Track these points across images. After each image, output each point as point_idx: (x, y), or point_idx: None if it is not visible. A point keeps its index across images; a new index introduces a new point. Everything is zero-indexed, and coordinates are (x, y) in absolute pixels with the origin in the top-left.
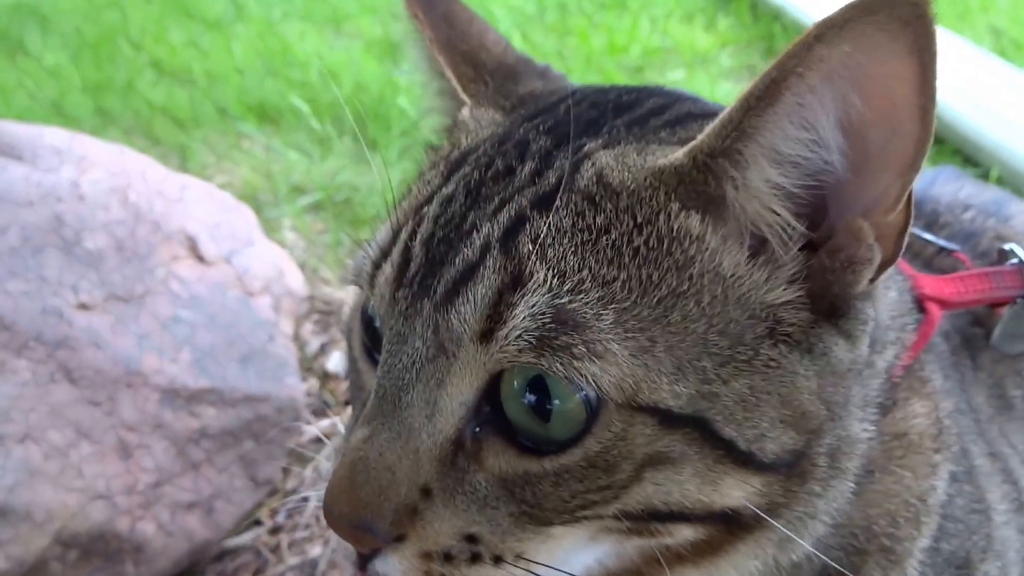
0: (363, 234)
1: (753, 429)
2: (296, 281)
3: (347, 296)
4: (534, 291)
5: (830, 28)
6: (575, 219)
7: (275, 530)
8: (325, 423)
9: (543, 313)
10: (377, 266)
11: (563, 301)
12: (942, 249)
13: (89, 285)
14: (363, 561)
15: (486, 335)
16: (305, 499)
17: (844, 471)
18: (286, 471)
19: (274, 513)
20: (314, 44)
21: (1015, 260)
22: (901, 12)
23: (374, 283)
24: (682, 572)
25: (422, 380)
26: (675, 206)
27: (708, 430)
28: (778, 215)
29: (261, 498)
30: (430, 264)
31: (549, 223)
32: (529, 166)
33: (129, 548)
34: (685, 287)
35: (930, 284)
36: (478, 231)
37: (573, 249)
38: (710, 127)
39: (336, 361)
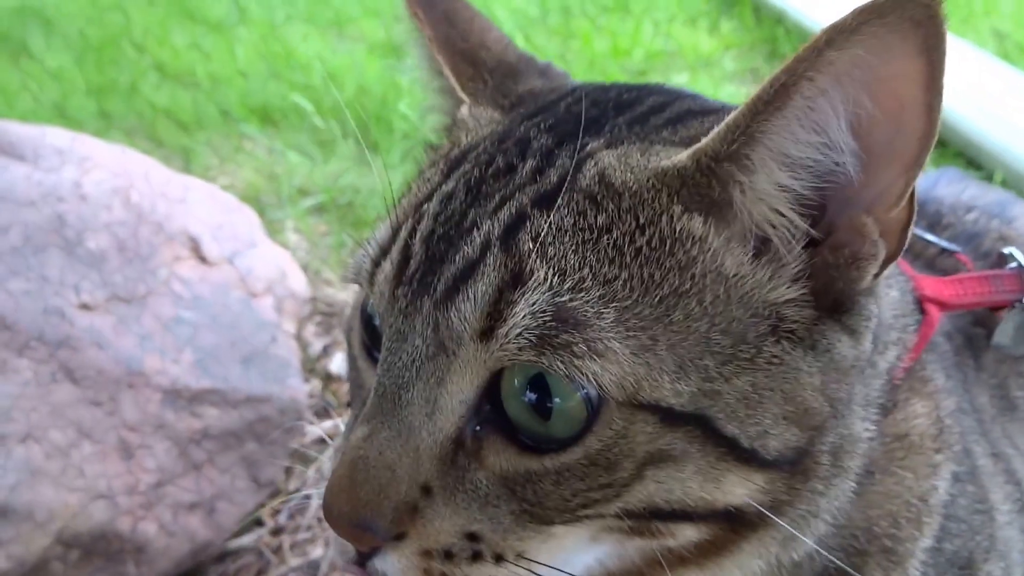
0: (365, 236)
1: (756, 426)
2: (299, 283)
3: (350, 298)
4: (535, 289)
5: (841, 32)
6: (576, 218)
7: (277, 531)
8: (328, 424)
9: (544, 311)
10: (377, 264)
11: (564, 299)
12: (943, 250)
13: (91, 285)
14: (362, 559)
15: (486, 333)
16: (307, 498)
17: (846, 470)
18: (288, 472)
19: (276, 514)
20: (317, 47)
21: (1014, 264)
22: (913, 13)
23: (374, 281)
24: (685, 574)
25: (422, 378)
26: (678, 208)
27: (710, 428)
28: (784, 216)
29: (263, 499)
30: (430, 261)
31: (550, 221)
32: (530, 164)
33: (131, 548)
34: (687, 287)
35: (930, 285)
36: (478, 228)
37: (574, 248)
38: (715, 131)
39: (339, 363)
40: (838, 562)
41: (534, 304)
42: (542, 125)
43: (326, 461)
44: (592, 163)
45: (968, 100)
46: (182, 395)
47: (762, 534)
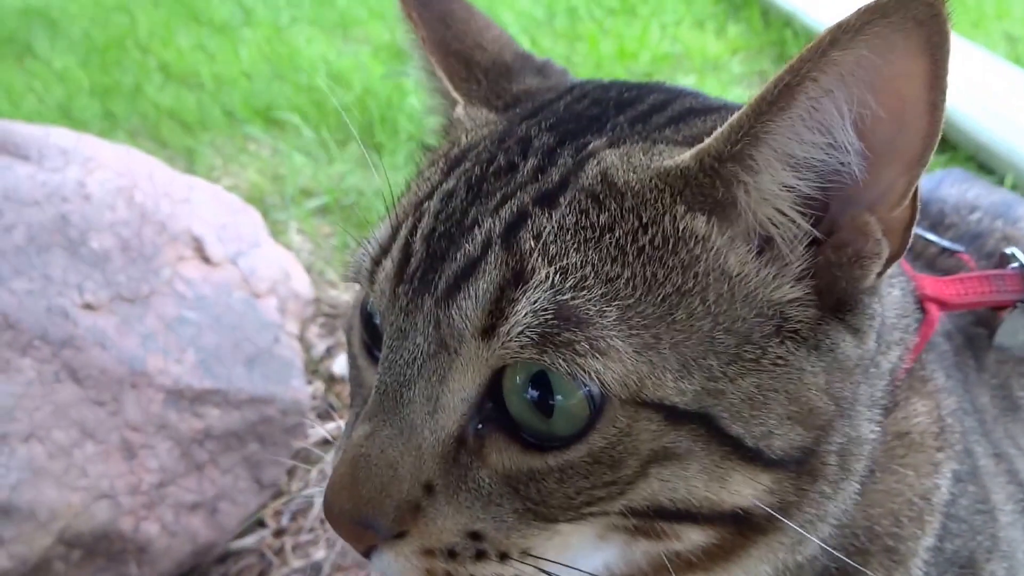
0: (366, 235)
1: (760, 426)
2: (302, 283)
3: (352, 299)
4: (536, 287)
5: (845, 32)
6: (579, 217)
7: (279, 532)
8: (331, 426)
9: (545, 309)
10: (377, 262)
11: (565, 297)
12: (944, 250)
13: (94, 285)
14: (368, 551)
15: (488, 331)
16: (310, 498)
17: (853, 472)
18: (291, 473)
19: (278, 515)
20: (321, 49)
21: (1017, 264)
22: (916, 12)
23: (374, 279)
24: None
25: (423, 376)
26: (681, 208)
27: (714, 426)
28: (787, 216)
29: (265, 500)
30: (431, 259)
31: (552, 220)
32: (531, 163)
33: (132, 548)
34: (690, 285)
35: (930, 284)
36: (480, 226)
37: (576, 246)
38: (719, 131)
39: (342, 364)
40: (844, 558)
41: (536, 302)
42: (543, 124)
43: (329, 462)
44: (594, 162)
45: (979, 103)
46: (185, 395)
47: (770, 538)
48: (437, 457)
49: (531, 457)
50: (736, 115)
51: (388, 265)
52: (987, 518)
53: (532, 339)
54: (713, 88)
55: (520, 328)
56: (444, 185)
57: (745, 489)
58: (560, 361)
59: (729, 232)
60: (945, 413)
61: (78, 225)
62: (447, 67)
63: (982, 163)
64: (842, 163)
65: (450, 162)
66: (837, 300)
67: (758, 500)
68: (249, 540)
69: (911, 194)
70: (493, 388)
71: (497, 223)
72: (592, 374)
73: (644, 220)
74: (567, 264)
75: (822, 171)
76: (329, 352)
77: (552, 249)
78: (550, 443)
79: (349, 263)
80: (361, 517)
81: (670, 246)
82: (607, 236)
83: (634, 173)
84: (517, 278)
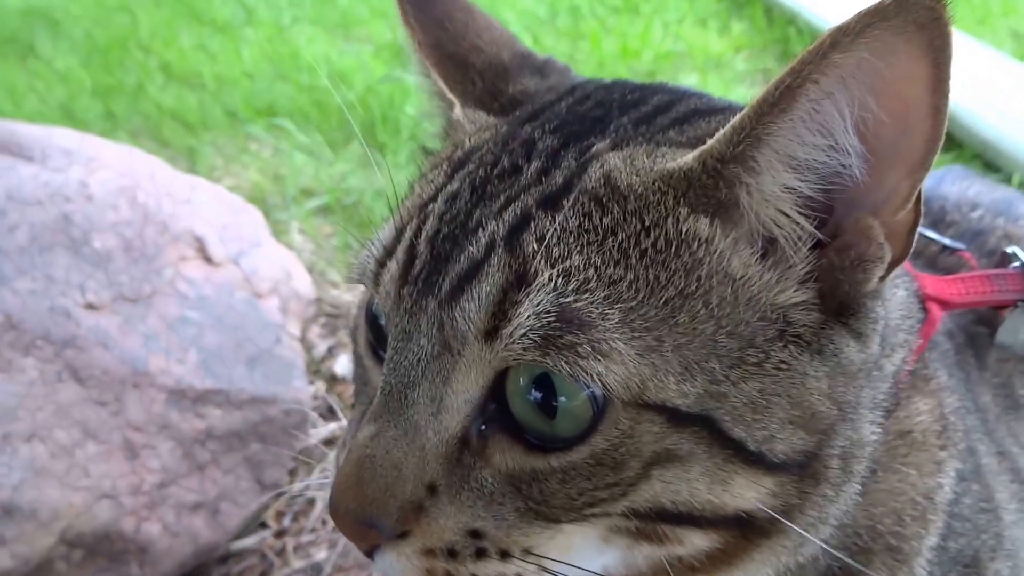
0: (369, 237)
1: (763, 430)
2: (304, 284)
3: (355, 300)
4: (539, 290)
5: (845, 35)
6: (582, 219)
7: (281, 533)
8: (332, 426)
9: (548, 312)
10: (381, 264)
11: (568, 300)
12: (945, 248)
13: (97, 285)
14: (371, 550)
15: (491, 333)
16: (312, 499)
17: (855, 474)
18: (292, 474)
19: (280, 516)
20: (323, 48)
21: (1018, 263)
22: (917, 16)
23: (379, 281)
24: None
25: (428, 377)
26: (684, 211)
27: (716, 429)
28: (790, 218)
29: (267, 501)
30: (435, 261)
31: (555, 223)
32: (535, 165)
33: (134, 549)
34: (693, 288)
35: (932, 284)
36: (483, 229)
37: (579, 249)
38: (721, 133)
39: (344, 364)
40: (846, 559)
41: (538, 304)
42: (547, 126)
43: (331, 463)
44: (598, 165)
45: (985, 101)
46: (187, 395)
47: (772, 541)
48: (440, 458)
49: (534, 458)
50: (738, 116)
51: (392, 267)
52: (991, 517)
53: (534, 341)
54: (716, 87)
55: (523, 330)
56: (448, 187)
57: (748, 492)
58: (562, 363)
59: (733, 235)
60: (947, 412)
61: (81, 225)
62: (442, 69)
63: (988, 161)
64: (843, 165)
65: (454, 164)
66: (840, 304)
67: (761, 503)
68: (250, 541)
69: (914, 198)
70: (496, 389)
71: (501, 225)
72: (594, 376)
73: (647, 223)
74: (570, 266)
75: (824, 173)
76: (330, 352)
77: (555, 251)
78: (553, 444)
79: (353, 264)
80: (365, 517)
81: (673, 249)
82: (610, 239)
83: (637, 176)
84: (520, 280)
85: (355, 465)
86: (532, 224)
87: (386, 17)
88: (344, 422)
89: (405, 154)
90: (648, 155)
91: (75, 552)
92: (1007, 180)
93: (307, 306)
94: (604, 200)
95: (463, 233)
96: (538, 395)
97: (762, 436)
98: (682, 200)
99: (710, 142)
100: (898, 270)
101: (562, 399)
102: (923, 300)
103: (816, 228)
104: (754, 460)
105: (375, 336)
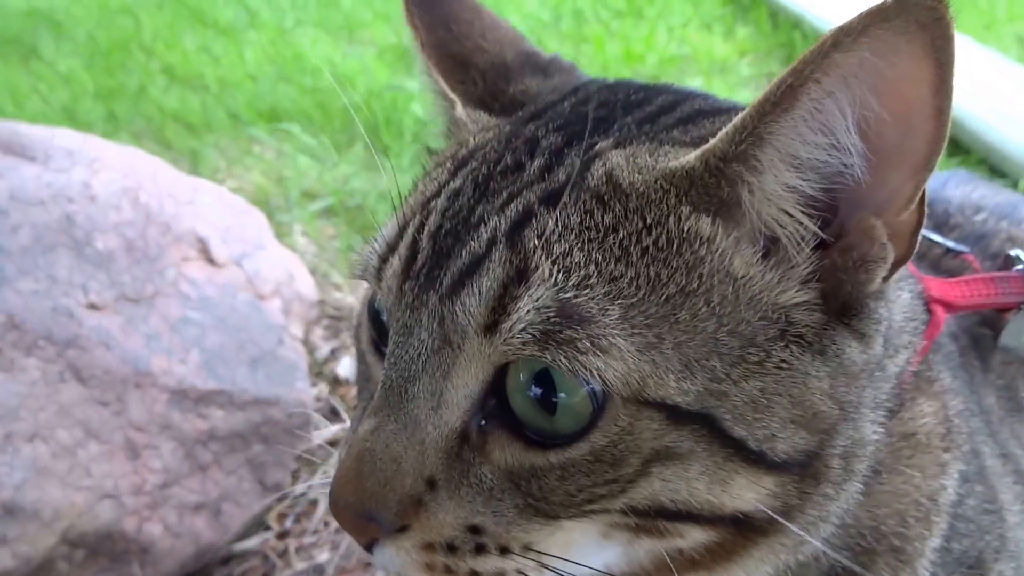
0: (372, 233)
1: (763, 429)
2: (306, 285)
3: (357, 301)
4: (539, 285)
5: (847, 35)
6: (583, 216)
7: (283, 534)
8: (335, 428)
9: (547, 307)
10: (384, 260)
11: (568, 296)
12: (948, 250)
13: (99, 285)
14: (371, 544)
15: (491, 328)
16: (314, 500)
17: (856, 473)
18: (295, 475)
19: (282, 517)
20: (327, 51)
21: (1021, 266)
22: (918, 16)
23: (381, 276)
24: None
25: (428, 372)
26: (686, 209)
27: (716, 428)
28: (792, 217)
29: (269, 502)
30: (437, 257)
31: (556, 219)
32: (538, 162)
33: (136, 549)
34: (694, 286)
35: (936, 286)
36: (485, 224)
37: (580, 245)
38: (723, 132)
39: (346, 367)
40: (846, 561)
41: (538, 300)
42: (551, 125)
43: (333, 464)
44: (600, 163)
45: (991, 106)
46: (189, 396)
47: (772, 540)
48: (440, 452)
49: (533, 454)
50: (740, 115)
51: (395, 262)
52: (995, 518)
53: (534, 336)
54: (721, 90)
55: (522, 325)
56: (451, 184)
57: (748, 492)
58: (561, 358)
59: (735, 234)
60: (951, 414)
61: (83, 226)
62: (444, 69)
63: (994, 166)
64: (846, 164)
65: (457, 162)
66: (843, 304)
67: (761, 503)
68: (252, 542)
69: (918, 199)
70: (496, 385)
71: (503, 221)
72: (593, 371)
73: (649, 221)
74: (570, 263)
75: (826, 172)
76: (333, 354)
77: (556, 248)
78: (553, 440)
79: (356, 260)
80: (365, 510)
81: (674, 247)
82: (611, 236)
83: (639, 174)
84: (520, 275)
85: (355, 459)
86: (534, 220)
87: (389, 20)
88: (347, 424)
89: (409, 157)
90: (651, 154)
91: (77, 552)
92: (1013, 185)
93: (310, 308)
94: (606, 197)
95: (465, 229)
96: (538, 391)
97: (763, 435)
98: (684, 198)
99: (712, 141)
100: (902, 271)
101: (562, 395)
102: (927, 302)
103: (819, 228)
104: (755, 460)
105: (377, 332)
